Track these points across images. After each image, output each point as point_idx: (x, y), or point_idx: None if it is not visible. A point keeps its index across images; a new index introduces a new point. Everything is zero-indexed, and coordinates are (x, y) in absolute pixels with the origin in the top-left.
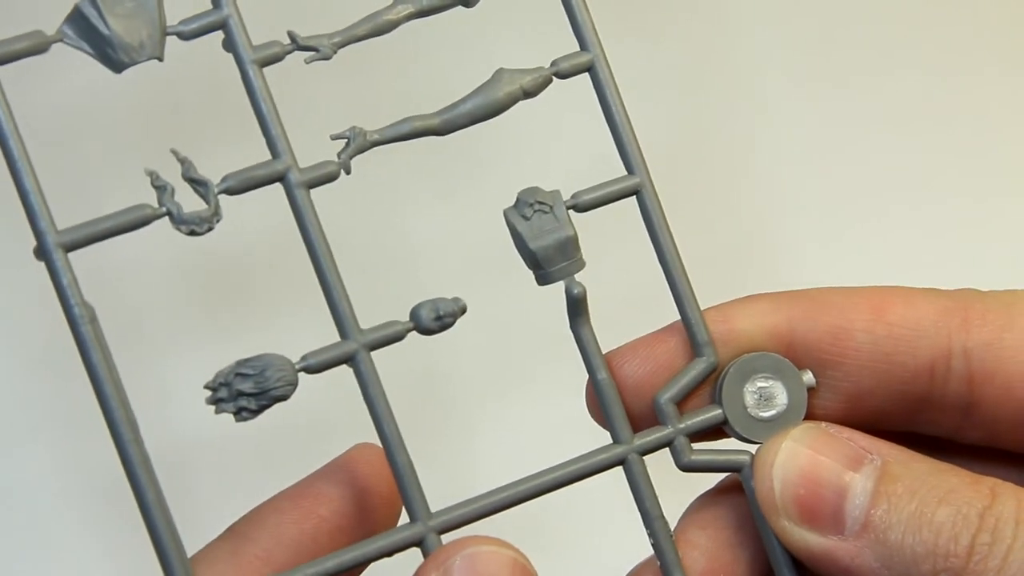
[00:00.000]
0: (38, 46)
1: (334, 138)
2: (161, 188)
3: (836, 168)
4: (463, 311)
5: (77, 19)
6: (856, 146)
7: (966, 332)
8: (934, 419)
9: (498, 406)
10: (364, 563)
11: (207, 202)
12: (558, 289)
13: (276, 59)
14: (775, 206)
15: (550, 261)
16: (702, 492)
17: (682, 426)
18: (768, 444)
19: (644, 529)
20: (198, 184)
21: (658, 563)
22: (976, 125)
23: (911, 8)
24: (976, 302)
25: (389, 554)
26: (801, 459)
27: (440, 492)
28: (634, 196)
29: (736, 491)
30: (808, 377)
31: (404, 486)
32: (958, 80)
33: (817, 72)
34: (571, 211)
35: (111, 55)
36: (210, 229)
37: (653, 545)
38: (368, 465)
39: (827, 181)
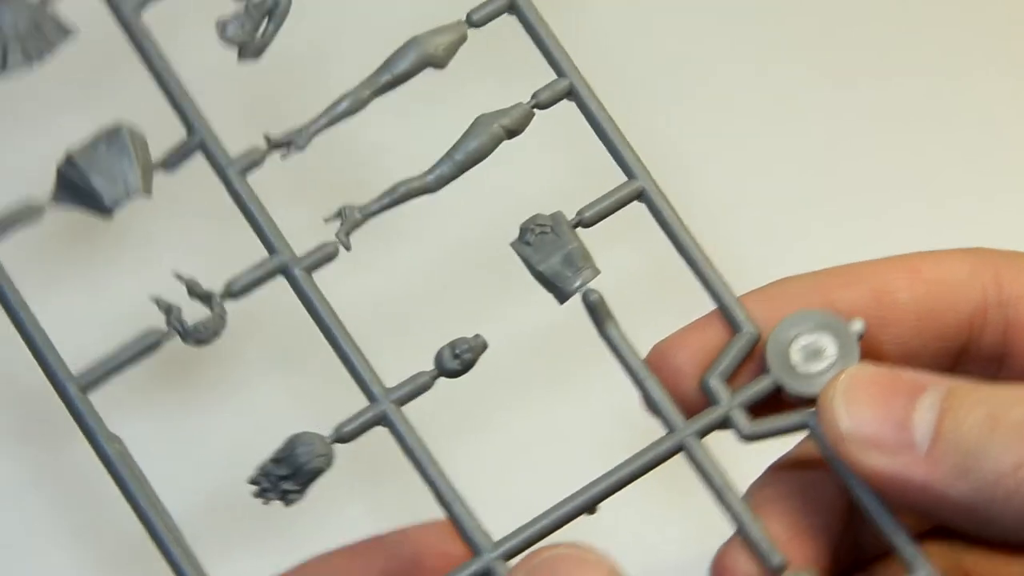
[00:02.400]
0: (31, 216)
1: (328, 221)
2: (167, 310)
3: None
4: (484, 347)
5: (62, 183)
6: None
7: (998, 286)
8: (969, 372)
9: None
10: None
11: (212, 311)
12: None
13: (255, 164)
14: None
15: (560, 277)
16: (754, 480)
17: (736, 399)
18: (829, 383)
19: (720, 509)
20: (203, 299)
21: (741, 539)
22: (977, 125)
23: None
24: (1002, 258)
25: None
26: (864, 388)
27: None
28: (638, 200)
29: (795, 466)
30: (857, 324)
31: (461, 524)
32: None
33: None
34: (579, 228)
35: (101, 206)
36: (216, 335)
37: (734, 522)
38: (427, 547)
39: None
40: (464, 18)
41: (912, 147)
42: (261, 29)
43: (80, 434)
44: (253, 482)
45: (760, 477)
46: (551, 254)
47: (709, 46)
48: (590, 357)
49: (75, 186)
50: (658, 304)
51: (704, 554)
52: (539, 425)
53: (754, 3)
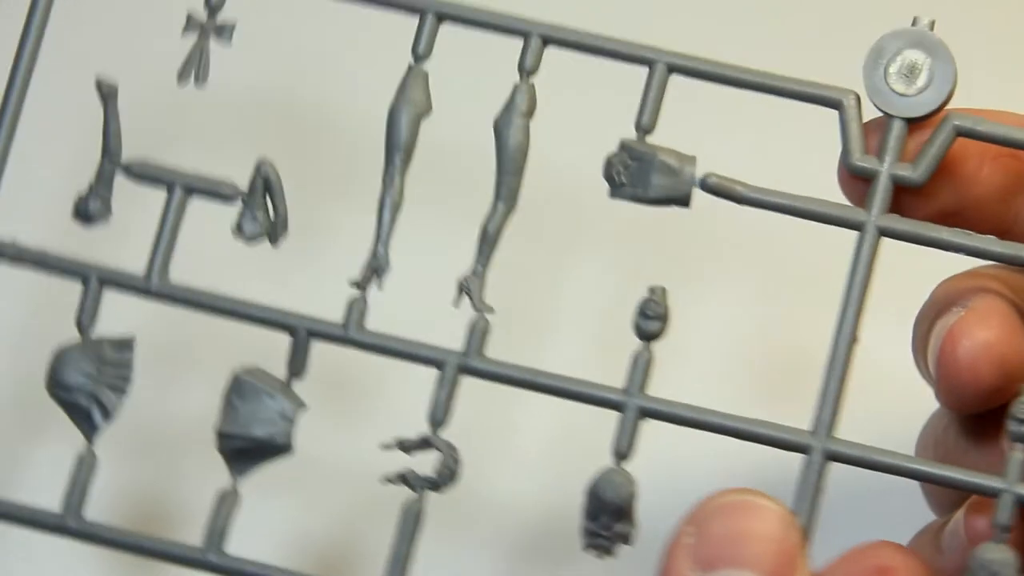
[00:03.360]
0: (232, 502)
1: (458, 303)
2: (404, 480)
3: None
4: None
5: (233, 458)
6: None
7: None
8: None
9: None
10: None
11: (442, 453)
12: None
13: None
14: None
15: (671, 188)
16: None
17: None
18: None
19: None
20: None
21: None
22: None
23: None
24: None
25: None
26: None
27: None
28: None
29: None
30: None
31: None
32: None
33: None
34: (647, 137)
35: (280, 446)
36: (455, 472)
37: None
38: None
39: None
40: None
41: None
42: (270, 209)
43: None
44: (591, 546)
45: None
46: (648, 178)
47: None
48: None
49: (246, 451)
50: None
51: None
52: None
53: None
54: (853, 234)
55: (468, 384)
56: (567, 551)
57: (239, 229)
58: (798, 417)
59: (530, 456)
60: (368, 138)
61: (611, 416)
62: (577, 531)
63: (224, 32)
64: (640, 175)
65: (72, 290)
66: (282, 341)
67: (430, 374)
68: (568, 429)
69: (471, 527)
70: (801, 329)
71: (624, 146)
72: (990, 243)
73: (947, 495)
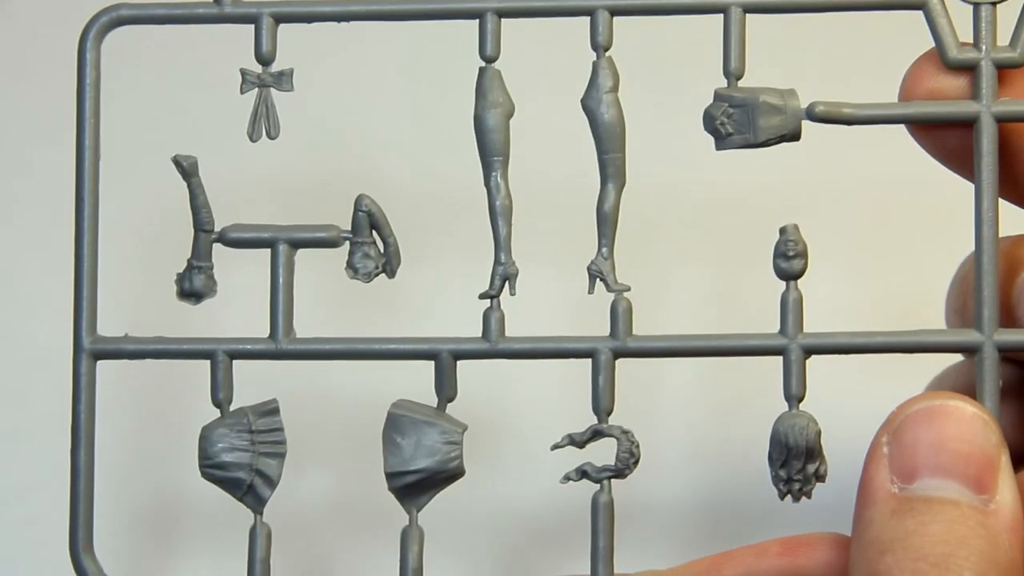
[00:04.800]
0: None
1: (592, 279)
2: (584, 474)
3: None
4: None
5: None
6: None
7: None
8: None
9: None
10: None
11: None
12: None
13: None
14: None
15: (781, 127)
16: None
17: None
18: None
19: None
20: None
21: None
22: None
23: None
24: None
25: None
26: None
27: None
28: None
29: None
30: None
31: None
32: None
33: None
34: (738, 82)
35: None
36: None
37: None
38: None
39: None
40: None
41: None
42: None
43: None
44: (787, 493)
45: None
46: (754, 121)
47: None
48: None
49: (419, 484)
50: None
51: None
52: None
53: None
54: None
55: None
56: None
57: (353, 269)
58: None
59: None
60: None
61: None
62: None
63: (283, 79)
64: (745, 120)
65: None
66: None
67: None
68: None
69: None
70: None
71: (721, 95)
72: None
73: None
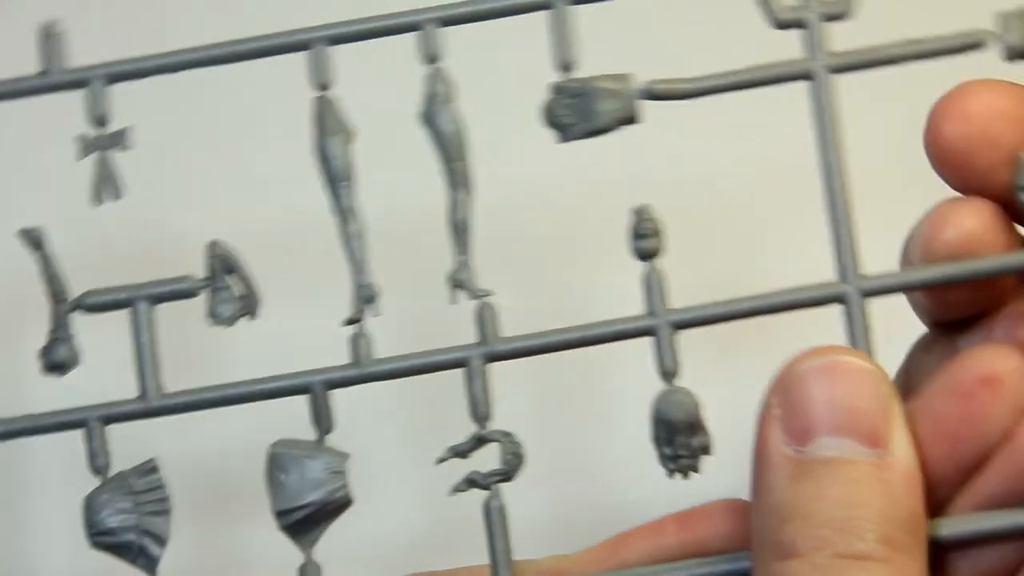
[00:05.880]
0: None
1: (454, 287)
2: (483, 480)
3: None
4: None
5: (298, 528)
6: None
7: None
8: None
9: None
10: None
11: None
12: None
13: None
14: None
15: (617, 112)
16: None
17: None
18: None
19: None
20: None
21: None
22: None
23: None
24: None
25: None
26: None
27: None
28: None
29: None
30: None
31: None
32: None
33: None
34: (570, 73)
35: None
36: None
37: None
38: None
39: None
40: None
41: None
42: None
43: None
44: (675, 470)
45: None
46: (592, 108)
47: None
48: None
49: (309, 519)
50: None
51: None
52: None
53: None
54: None
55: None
56: None
57: (214, 316)
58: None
59: None
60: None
61: None
62: None
63: (120, 139)
64: (584, 109)
65: None
66: None
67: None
68: None
69: None
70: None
71: (557, 88)
72: (935, 43)
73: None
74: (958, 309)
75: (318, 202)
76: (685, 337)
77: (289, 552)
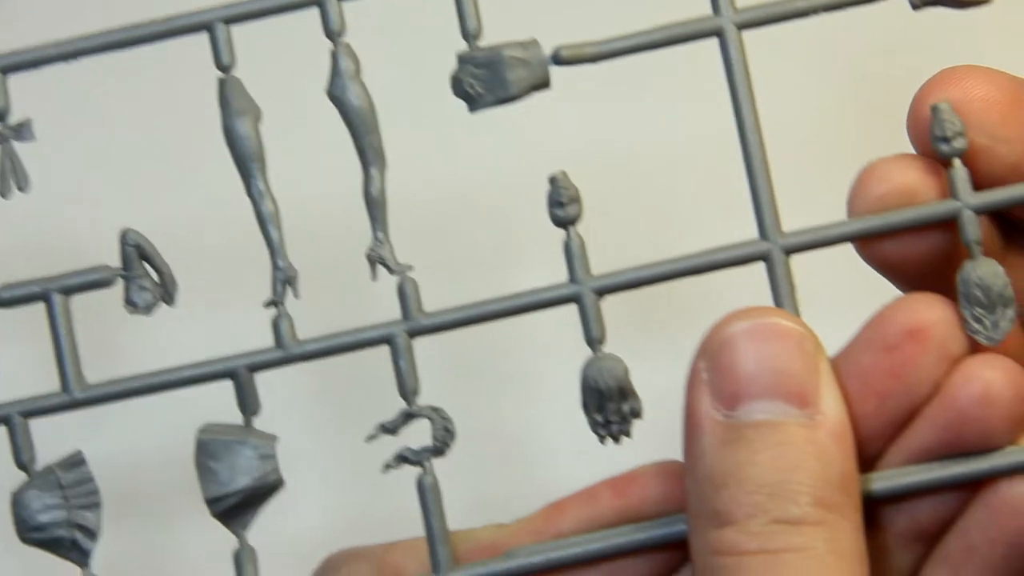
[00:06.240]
0: None
1: (373, 264)
2: (418, 455)
3: None
4: None
5: (232, 515)
6: None
7: None
8: None
9: None
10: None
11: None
12: None
13: None
14: None
15: (527, 79)
16: None
17: None
18: None
19: None
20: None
21: None
22: None
23: None
24: None
25: None
26: None
27: None
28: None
29: None
30: None
31: None
32: None
33: None
34: (477, 42)
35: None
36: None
37: None
38: None
39: None
40: None
41: None
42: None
43: None
44: (608, 436)
45: None
46: (503, 77)
47: None
48: None
49: (242, 504)
50: None
51: None
52: None
53: None
54: None
55: None
56: None
57: (131, 304)
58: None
59: None
60: None
61: None
62: None
63: (24, 131)
64: (494, 78)
65: None
66: None
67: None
68: None
69: None
70: None
71: (464, 58)
72: None
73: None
74: (911, 265)
75: (234, 185)
76: (611, 312)
77: (220, 540)
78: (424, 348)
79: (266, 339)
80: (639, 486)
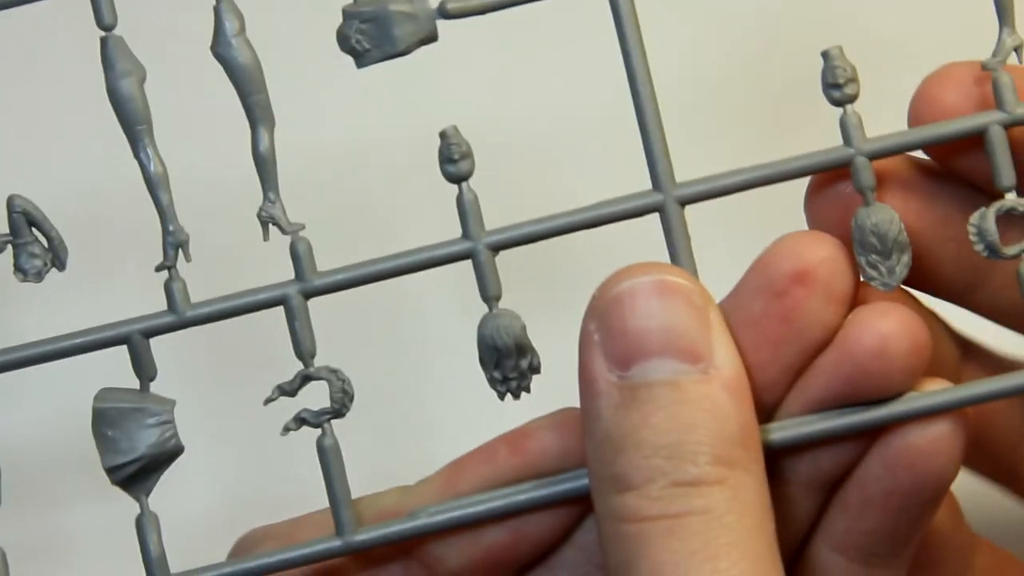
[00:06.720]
0: None
1: (265, 225)
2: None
3: None
4: None
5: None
6: None
7: None
8: None
9: None
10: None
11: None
12: None
13: None
14: None
15: (414, 33)
16: None
17: None
18: None
19: None
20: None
21: None
22: None
23: None
24: None
25: None
26: None
27: None
28: None
29: None
30: None
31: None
32: None
33: None
34: None
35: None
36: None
37: None
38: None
39: None
40: None
41: None
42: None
43: None
44: (507, 392)
45: None
46: (389, 31)
47: None
48: None
49: (143, 471)
50: None
51: None
52: None
53: None
54: None
55: None
56: None
57: (23, 272)
58: None
59: None
60: None
61: None
62: None
63: None
64: (380, 33)
65: None
66: None
67: None
68: None
69: None
70: None
71: (350, 13)
72: None
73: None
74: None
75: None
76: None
77: (117, 514)
78: (320, 313)
79: (161, 306)
80: (535, 440)
